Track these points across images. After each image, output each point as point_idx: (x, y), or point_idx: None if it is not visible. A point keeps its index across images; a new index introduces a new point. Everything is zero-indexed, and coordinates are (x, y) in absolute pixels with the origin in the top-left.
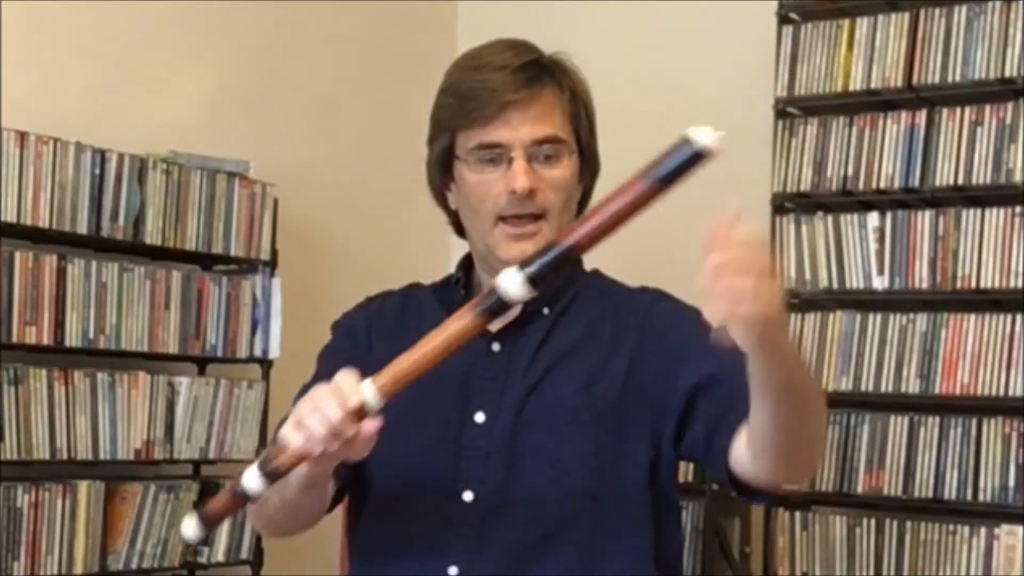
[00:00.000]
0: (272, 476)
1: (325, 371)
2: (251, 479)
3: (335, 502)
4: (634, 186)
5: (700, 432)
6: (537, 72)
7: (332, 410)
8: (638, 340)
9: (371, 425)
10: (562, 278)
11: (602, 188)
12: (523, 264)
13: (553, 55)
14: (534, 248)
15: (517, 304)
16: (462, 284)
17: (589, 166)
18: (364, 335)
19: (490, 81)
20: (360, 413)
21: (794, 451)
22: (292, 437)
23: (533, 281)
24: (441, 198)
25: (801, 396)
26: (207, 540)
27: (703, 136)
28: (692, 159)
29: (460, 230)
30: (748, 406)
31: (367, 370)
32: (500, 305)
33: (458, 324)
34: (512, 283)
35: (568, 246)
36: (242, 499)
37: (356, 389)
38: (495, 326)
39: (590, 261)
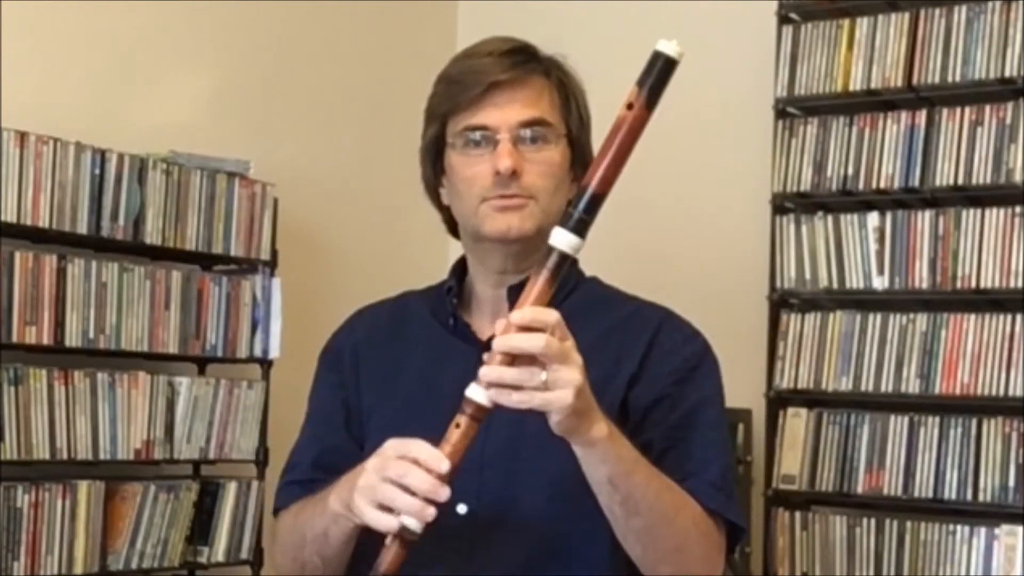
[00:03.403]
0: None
1: (318, 409)
2: None
3: None
4: (630, 111)
5: None
6: (526, 58)
7: (421, 482)
8: (641, 359)
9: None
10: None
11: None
12: (563, 221)
13: (549, 55)
14: (519, 221)
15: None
16: (454, 293)
17: (581, 160)
18: (349, 357)
19: (478, 65)
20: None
21: (644, 557)
22: (386, 522)
23: (578, 229)
24: (434, 194)
25: (633, 499)
26: (207, 540)
27: (669, 47)
28: (666, 68)
29: (453, 229)
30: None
31: (355, 393)
32: (562, 259)
33: (536, 285)
34: (562, 237)
35: (595, 185)
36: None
37: (438, 456)
38: (486, 334)
39: (587, 267)
